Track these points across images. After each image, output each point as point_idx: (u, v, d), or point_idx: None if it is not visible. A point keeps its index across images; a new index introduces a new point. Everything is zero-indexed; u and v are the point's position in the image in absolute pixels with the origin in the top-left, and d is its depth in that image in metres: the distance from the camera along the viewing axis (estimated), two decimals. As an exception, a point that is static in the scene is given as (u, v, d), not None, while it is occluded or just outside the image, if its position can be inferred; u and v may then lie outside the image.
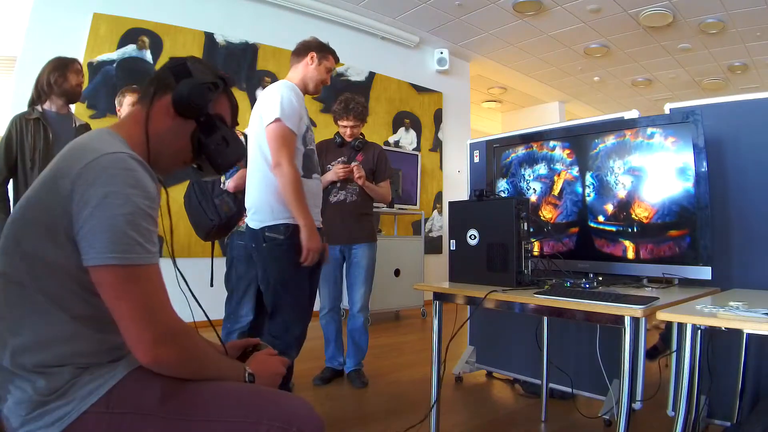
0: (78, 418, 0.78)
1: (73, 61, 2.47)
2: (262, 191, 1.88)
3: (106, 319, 0.83)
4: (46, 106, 2.38)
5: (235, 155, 1.05)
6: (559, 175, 2.11)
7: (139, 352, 0.79)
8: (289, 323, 1.88)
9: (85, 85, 2.52)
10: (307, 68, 2.05)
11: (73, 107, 2.57)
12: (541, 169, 2.18)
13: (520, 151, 2.26)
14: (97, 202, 0.78)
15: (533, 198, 2.18)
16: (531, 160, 2.23)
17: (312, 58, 2.05)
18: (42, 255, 0.81)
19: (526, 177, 2.22)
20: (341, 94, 2.86)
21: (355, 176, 2.68)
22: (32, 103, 2.35)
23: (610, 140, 1.94)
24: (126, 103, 2.97)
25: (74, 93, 2.43)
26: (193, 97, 0.96)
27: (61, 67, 2.40)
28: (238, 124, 1.14)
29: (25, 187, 2.24)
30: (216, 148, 1.01)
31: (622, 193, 1.90)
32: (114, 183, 0.80)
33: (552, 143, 2.16)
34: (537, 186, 2.19)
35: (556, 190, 2.12)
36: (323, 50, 2.09)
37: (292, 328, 1.89)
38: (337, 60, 2.16)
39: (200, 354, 0.88)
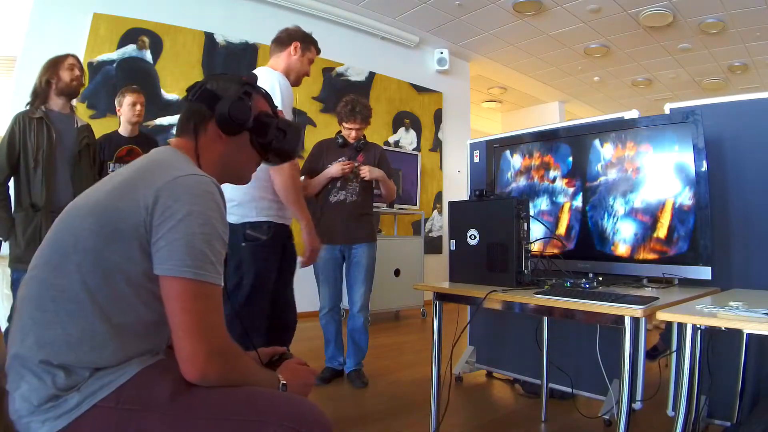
0: (86, 411, 0.79)
1: (65, 57, 2.43)
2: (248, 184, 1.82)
3: (141, 331, 0.86)
4: (48, 106, 2.37)
5: (297, 138, 1.13)
6: (562, 209, 2.03)
7: (189, 365, 0.82)
8: (251, 330, 1.74)
9: (86, 82, 2.50)
10: (290, 59, 1.99)
11: (74, 102, 2.55)
12: (543, 203, 2.09)
13: (521, 181, 2.18)
14: (181, 217, 0.84)
15: (536, 247, 1.93)
16: (532, 193, 2.14)
17: (296, 48, 1.99)
18: (103, 258, 0.83)
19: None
20: (345, 96, 2.86)
21: (362, 174, 2.68)
22: (32, 104, 2.34)
23: (611, 139, 1.94)
24: (126, 103, 2.97)
25: (71, 89, 2.40)
26: (234, 115, 1.00)
27: (53, 66, 2.38)
28: (276, 107, 1.18)
29: (27, 187, 2.23)
30: (277, 142, 1.08)
31: (622, 194, 1.90)
32: (198, 203, 0.86)
33: (552, 174, 2.07)
34: (538, 230, 2.01)
35: (562, 228, 2.02)
36: (307, 41, 2.03)
37: (253, 336, 1.79)
38: (318, 51, 2.10)
39: (243, 371, 0.90)
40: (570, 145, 2.07)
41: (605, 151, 1.95)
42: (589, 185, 1.99)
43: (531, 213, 2.03)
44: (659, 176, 1.81)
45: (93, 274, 0.83)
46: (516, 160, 2.24)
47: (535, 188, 2.15)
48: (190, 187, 0.87)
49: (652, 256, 1.80)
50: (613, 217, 1.91)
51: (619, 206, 1.90)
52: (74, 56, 2.47)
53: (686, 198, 1.74)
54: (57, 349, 0.80)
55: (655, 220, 1.81)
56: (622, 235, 1.88)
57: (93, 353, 0.81)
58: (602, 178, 1.95)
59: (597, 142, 1.98)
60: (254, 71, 1.94)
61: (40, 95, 2.35)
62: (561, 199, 2.05)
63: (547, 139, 2.16)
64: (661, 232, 1.79)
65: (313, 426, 0.87)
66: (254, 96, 1.06)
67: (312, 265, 2.75)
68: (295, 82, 2.03)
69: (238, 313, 1.77)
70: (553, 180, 2.08)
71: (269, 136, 1.06)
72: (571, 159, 2.05)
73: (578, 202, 2.01)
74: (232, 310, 1.79)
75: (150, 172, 0.90)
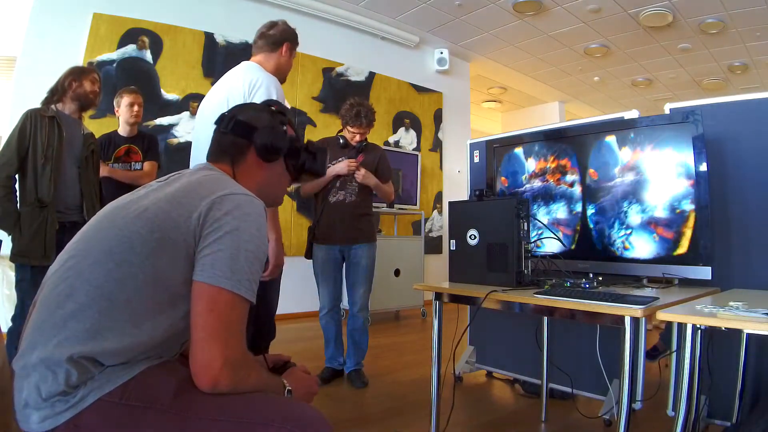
0: (90, 405, 0.79)
1: (92, 70, 2.52)
2: None
3: (164, 341, 0.88)
4: (60, 107, 2.39)
5: (325, 158, 1.21)
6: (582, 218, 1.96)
7: (204, 370, 0.82)
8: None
9: (98, 102, 2.57)
10: (280, 59, 2.03)
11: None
12: (559, 211, 1.99)
13: (536, 183, 2.10)
14: (229, 230, 0.88)
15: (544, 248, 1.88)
16: (546, 196, 2.06)
17: (286, 49, 2.03)
18: (148, 264, 0.85)
19: (540, 219, 2.03)
20: (348, 98, 2.86)
21: (357, 176, 2.68)
22: (46, 102, 2.37)
23: (611, 139, 1.94)
24: (124, 104, 2.98)
25: (87, 98, 2.44)
26: (275, 144, 1.07)
27: (78, 72, 2.44)
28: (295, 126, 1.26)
29: (34, 182, 2.24)
30: (309, 163, 1.17)
31: (623, 193, 1.90)
32: (247, 221, 0.91)
33: (569, 177, 1.98)
34: (552, 244, 1.93)
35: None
36: (295, 40, 2.08)
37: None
38: (298, 45, 2.15)
39: (254, 383, 0.90)
40: (573, 146, 2.07)
41: (606, 152, 1.95)
42: (591, 186, 1.99)
43: (545, 220, 2.03)
44: (659, 176, 1.81)
45: (134, 277, 0.84)
46: (530, 163, 2.18)
47: (550, 191, 2.08)
48: (241, 204, 0.91)
49: (651, 255, 1.80)
50: (613, 217, 1.91)
51: (619, 207, 1.90)
52: (99, 74, 2.56)
53: (686, 198, 1.74)
54: (82, 342, 0.81)
55: (654, 221, 1.81)
56: (621, 234, 1.88)
57: (114, 353, 0.82)
58: (607, 182, 1.95)
59: (600, 143, 1.98)
60: (242, 65, 1.94)
61: (57, 93, 2.39)
62: (579, 207, 1.99)
63: (547, 139, 2.16)
64: (660, 231, 1.79)
65: (314, 429, 0.87)
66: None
67: (312, 266, 2.77)
68: (282, 80, 2.06)
69: None
70: (572, 184, 2.02)
71: (302, 159, 1.15)
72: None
73: (582, 206, 2.01)
74: None
75: (203, 186, 0.94)
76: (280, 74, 2.03)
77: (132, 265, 0.85)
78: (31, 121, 2.26)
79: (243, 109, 1.12)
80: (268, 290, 2.06)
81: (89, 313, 0.82)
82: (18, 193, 2.29)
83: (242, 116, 1.08)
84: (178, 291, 0.87)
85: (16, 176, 2.27)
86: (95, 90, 2.46)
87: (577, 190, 2.01)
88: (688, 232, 1.73)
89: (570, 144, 2.07)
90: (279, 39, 2.02)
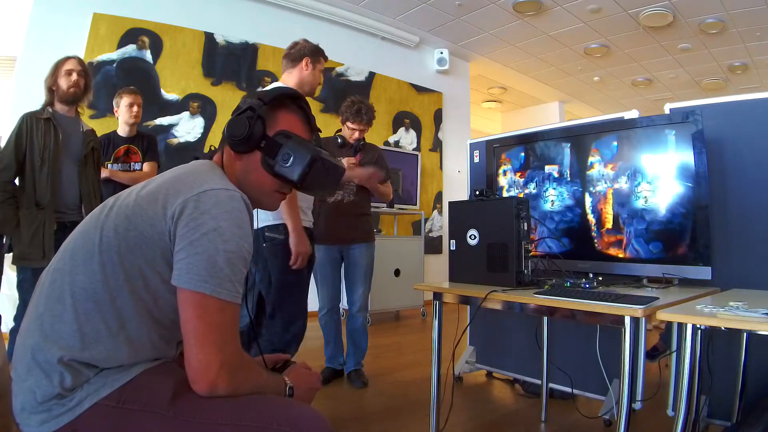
0: (87, 409, 0.79)
1: (63, 61, 2.40)
2: None
3: (155, 340, 0.88)
4: (57, 107, 2.39)
5: (300, 165, 0.97)
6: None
7: (201, 376, 0.81)
8: (289, 321, 1.93)
9: (90, 84, 2.48)
10: (303, 73, 2.12)
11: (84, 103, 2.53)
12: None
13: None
14: (205, 232, 0.83)
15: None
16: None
17: (307, 63, 2.12)
18: (126, 261, 0.84)
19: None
20: (349, 96, 2.89)
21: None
22: (44, 105, 2.37)
23: (610, 138, 1.94)
24: (123, 104, 2.98)
25: (68, 96, 2.38)
26: (233, 132, 0.97)
27: (53, 72, 2.39)
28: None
29: (32, 185, 2.24)
30: (281, 166, 0.97)
31: (623, 193, 1.90)
32: (225, 219, 0.85)
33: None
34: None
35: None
36: (316, 54, 2.16)
37: (291, 326, 1.93)
38: (326, 59, 2.23)
39: (253, 383, 0.89)
40: (571, 145, 2.07)
41: (605, 151, 1.95)
42: (589, 186, 1.99)
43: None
44: (659, 177, 1.81)
45: (115, 276, 0.84)
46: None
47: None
48: (218, 202, 0.86)
49: (652, 256, 1.80)
50: (612, 217, 1.91)
51: (618, 207, 1.90)
52: (75, 59, 2.43)
53: (686, 198, 1.74)
54: (72, 344, 0.81)
55: (654, 220, 1.81)
56: (622, 235, 1.88)
57: (104, 354, 0.82)
58: (603, 180, 1.95)
59: (599, 143, 1.98)
60: (267, 88, 2.00)
61: (47, 101, 2.38)
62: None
63: (547, 139, 2.16)
64: (660, 231, 1.79)
65: (313, 430, 0.86)
66: (277, 113, 1.01)
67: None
68: (310, 93, 2.16)
69: (276, 307, 1.92)
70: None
71: (277, 159, 0.97)
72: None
73: (576, 201, 2.01)
74: (272, 307, 1.94)
75: (181, 181, 0.90)
76: (307, 87, 2.13)
77: (114, 265, 0.84)
78: (26, 124, 2.26)
79: (245, 96, 1.11)
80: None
81: (76, 314, 0.82)
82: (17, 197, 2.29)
83: (240, 103, 1.05)
84: (159, 291, 0.86)
85: (16, 180, 2.28)
86: (73, 81, 2.37)
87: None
88: (687, 233, 1.73)
89: (568, 142, 2.07)
90: (298, 55, 2.13)
